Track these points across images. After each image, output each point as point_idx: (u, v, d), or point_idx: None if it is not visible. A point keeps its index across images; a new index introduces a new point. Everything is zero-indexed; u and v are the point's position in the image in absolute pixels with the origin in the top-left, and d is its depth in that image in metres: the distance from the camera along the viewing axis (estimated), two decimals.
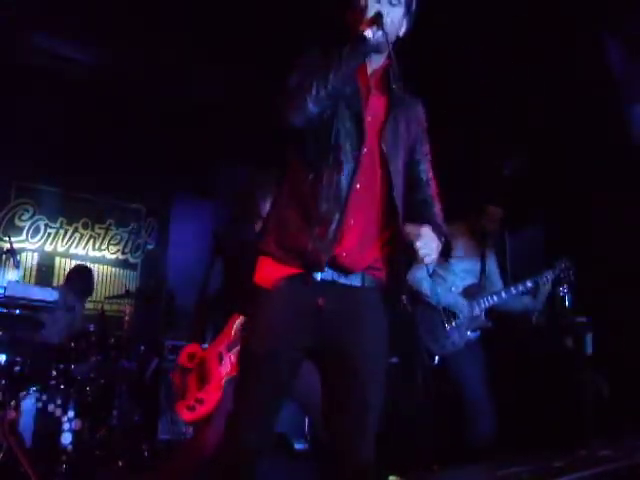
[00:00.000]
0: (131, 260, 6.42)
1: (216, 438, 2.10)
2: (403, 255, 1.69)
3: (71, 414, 3.64)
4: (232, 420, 1.73)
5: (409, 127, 1.79)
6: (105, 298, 5.52)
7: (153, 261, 6.50)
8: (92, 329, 4.16)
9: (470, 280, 3.44)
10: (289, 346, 1.67)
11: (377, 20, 1.62)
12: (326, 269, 1.65)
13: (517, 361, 4.06)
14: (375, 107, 1.74)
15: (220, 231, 3.00)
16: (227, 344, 2.56)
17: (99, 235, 6.22)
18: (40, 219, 5.85)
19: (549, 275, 3.35)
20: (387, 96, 1.77)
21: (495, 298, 3.36)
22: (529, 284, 3.35)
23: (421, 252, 1.59)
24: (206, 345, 2.68)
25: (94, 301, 5.55)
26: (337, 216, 1.63)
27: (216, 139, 5.72)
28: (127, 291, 5.06)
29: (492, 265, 3.56)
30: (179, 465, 2.84)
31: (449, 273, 3.42)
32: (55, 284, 5.53)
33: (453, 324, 3.31)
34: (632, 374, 3.47)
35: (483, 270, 3.48)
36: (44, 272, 5.78)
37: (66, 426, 3.59)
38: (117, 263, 6.32)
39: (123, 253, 6.37)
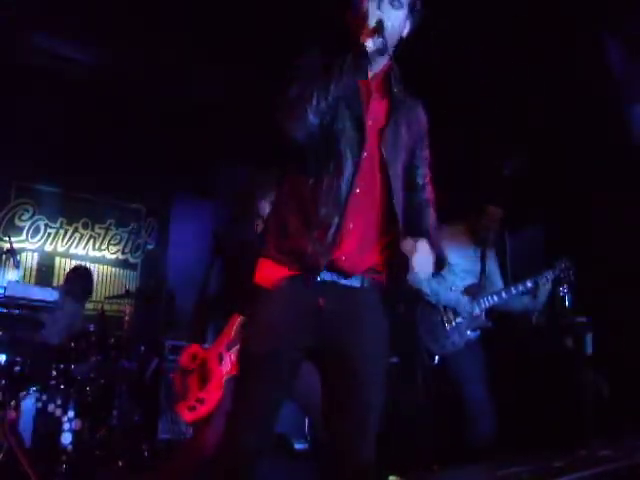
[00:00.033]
0: (131, 260, 6.41)
1: (216, 438, 2.10)
2: (403, 258, 1.69)
3: (71, 414, 3.64)
4: (231, 420, 1.73)
5: (410, 131, 1.79)
6: (105, 298, 5.52)
7: (153, 261, 6.50)
8: (92, 329, 4.16)
9: (470, 280, 3.44)
10: (290, 346, 1.67)
11: (378, 29, 1.60)
12: (326, 272, 1.66)
13: (517, 361, 4.06)
14: (376, 111, 1.73)
15: (220, 231, 3.00)
16: (227, 343, 2.56)
17: (99, 235, 6.21)
18: (40, 219, 5.84)
19: (549, 275, 3.35)
20: (388, 99, 1.76)
21: (495, 298, 3.37)
22: (529, 284, 3.35)
23: (416, 268, 1.60)
24: (207, 345, 2.69)
25: (94, 301, 5.54)
26: (336, 220, 1.63)
27: (216, 139, 5.71)
28: (127, 291, 5.06)
29: (492, 265, 3.56)
30: (179, 465, 2.84)
31: (449, 273, 3.42)
32: (55, 284, 5.53)
33: (453, 324, 3.31)
34: (632, 374, 3.47)
35: (483, 270, 3.48)
36: (44, 272, 5.78)
37: (66, 426, 3.59)
38: (117, 263, 6.32)
39: (123, 253, 6.37)
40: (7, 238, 4.78)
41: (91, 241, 6.15)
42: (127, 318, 4.66)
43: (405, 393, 3.31)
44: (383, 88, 1.77)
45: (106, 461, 3.81)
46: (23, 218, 5.75)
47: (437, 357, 3.31)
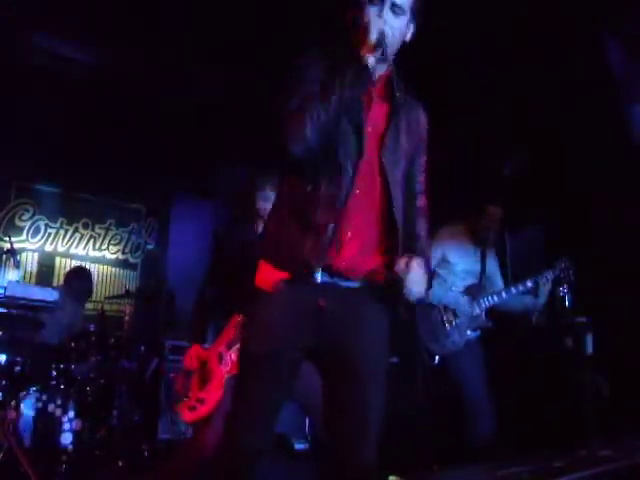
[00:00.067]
0: (131, 260, 6.41)
1: (216, 438, 2.10)
2: (397, 277, 1.68)
3: (71, 414, 3.64)
4: (231, 420, 1.73)
5: (410, 135, 1.78)
6: (105, 298, 5.52)
7: (153, 261, 6.50)
8: (92, 329, 4.16)
9: (470, 280, 3.44)
10: (290, 346, 1.67)
11: (380, 44, 1.58)
12: (326, 275, 1.65)
13: (517, 361, 4.06)
14: (376, 117, 1.72)
15: (220, 231, 3.00)
16: (227, 343, 2.56)
17: (99, 235, 6.22)
18: (40, 219, 5.85)
19: (549, 275, 3.36)
20: (389, 103, 1.75)
21: (495, 298, 3.37)
22: (529, 284, 3.36)
23: (410, 288, 1.62)
24: (207, 345, 2.69)
25: (94, 301, 5.54)
26: (332, 226, 1.62)
27: (216, 139, 5.71)
28: (127, 291, 5.06)
29: (492, 265, 3.56)
30: (179, 465, 2.84)
31: (449, 273, 3.42)
32: (55, 284, 5.53)
33: (453, 324, 3.31)
34: (632, 374, 3.47)
35: (483, 270, 3.48)
36: (44, 272, 5.78)
37: (66, 426, 3.59)
38: (117, 263, 6.32)
39: (123, 253, 6.37)
40: (7, 238, 4.78)
41: (91, 241, 6.15)
42: (127, 318, 4.66)
43: (405, 393, 3.31)
44: (385, 92, 1.76)
45: (106, 461, 3.81)
46: (23, 218, 5.75)
47: (437, 357, 3.31)
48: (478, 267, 3.48)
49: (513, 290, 3.37)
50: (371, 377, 1.68)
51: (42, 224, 5.85)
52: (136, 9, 4.40)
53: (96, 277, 5.79)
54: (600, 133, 4.03)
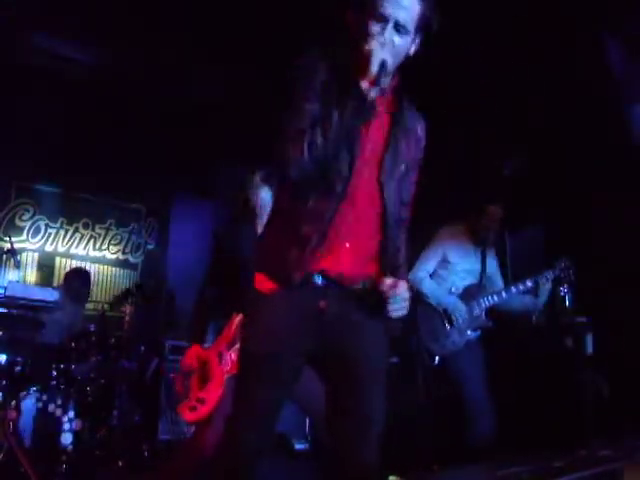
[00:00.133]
0: (131, 260, 6.42)
1: (216, 438, 2.10)
2: (380, 298, 1.69)
3: (71, 414, 3.64)
4: (232, 420, 1.73)
5: (409, 147, 1.77)
6: (107, 303, 5.49)
7: (153, 261, 6.50)
8: (92, 329, 4.16)
9: (470, 280, 3.44)
10: (291, 349, 1.67)
11: (381, 74, 1.55)
12: (326, 279, 1.66)
13: (517, 361, 4.06)
14: (375, 134, 1.70)
15: (220, 231, 3.00)
16: (227, 343, 2.56)
17: (99, 235, 6.22)
18: (40, 219, 5.85)
19: (549, 275, 3.36)
20: (390, 115, 1.74)
21: (495, 298, 3.37)
22: (529, 284, 3.36)
23: (392, 308, 1.64)
24: (207, 345, 2.69)
25: (95, 301, 5.55)
26: (317, 238, 1.62)
27: (216, 139, 5.71)
28: (128, 291, 5.05)
29: (492, 265, 3.57)
30: (179, 465, 2.84)
31: (450, 273, 3.42)
32: (55, 284, 5.53)
33: (453, 324, 3.31)
34: (632, 374, 3.47)
35: (483, 270, 3.49)
36: (44, 272, 5.79)
37: (66, 426, 3.59)
38: (117, 263, 6.32)
39: (123, 253, 6.37)
40: (7, 238, 4.79)
41: (91, 241, 6.15)
42: (127, 318, 4.66)
43: (405, 393, 3.31)
44: (389, 106, 1.74)
45: (106, 461, 3.81)
46: (23, 218, 5.76)
47: (437, 357, 3.31)
48: (478, 267, 3.48)
49: (513, 290, 3.37)
50: (372, 378, 1.68)
51: (42, 224, 5.85)
52: (136, 9, 4.40)
53: (96, 277, 5.79)
54: (600, 133, 4.03)
